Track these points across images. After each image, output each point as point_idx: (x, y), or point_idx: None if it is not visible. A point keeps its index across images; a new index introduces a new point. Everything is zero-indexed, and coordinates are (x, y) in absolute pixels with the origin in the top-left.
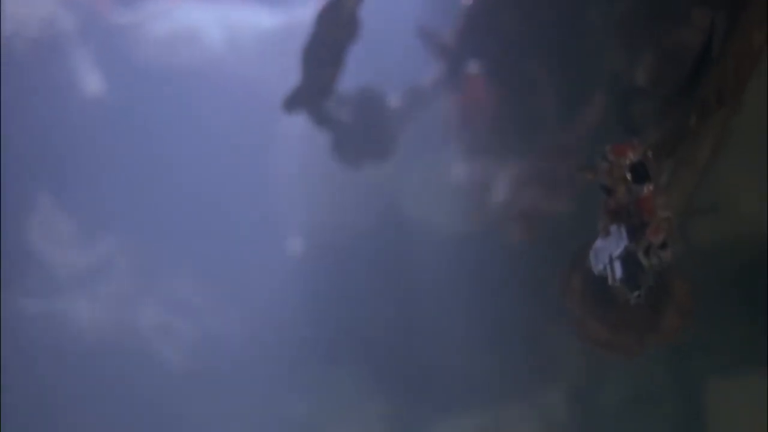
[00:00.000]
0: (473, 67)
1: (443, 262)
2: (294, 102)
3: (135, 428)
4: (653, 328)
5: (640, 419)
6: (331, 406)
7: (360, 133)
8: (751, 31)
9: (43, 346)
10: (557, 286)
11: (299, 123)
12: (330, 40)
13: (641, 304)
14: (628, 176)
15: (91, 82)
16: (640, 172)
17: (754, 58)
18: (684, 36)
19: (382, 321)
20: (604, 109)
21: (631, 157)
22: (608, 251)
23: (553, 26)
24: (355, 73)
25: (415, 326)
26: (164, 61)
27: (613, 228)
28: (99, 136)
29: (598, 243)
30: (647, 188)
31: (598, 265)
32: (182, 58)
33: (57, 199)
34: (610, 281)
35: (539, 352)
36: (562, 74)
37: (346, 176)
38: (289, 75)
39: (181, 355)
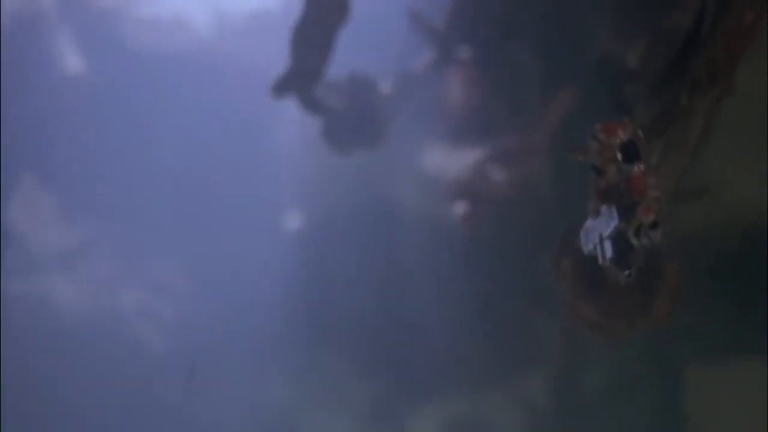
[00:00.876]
0: (464, 53)
1: (428, 248)
2: (283, 86)
3: (116, 411)
4: (644, 311)
5: (622, 406)
6: (314, 390)
7: (350, 119)
8: (743, 9)
9: (22, 327)
10: (547, 269)
11: (287, 107)
12: (320, 23)
13: (632, 288)
14: (619, 156)
15: (74, 63)
16: (630, 152)
17: (746, 37)
18: (677, 17)
19: (366, 306)
20: (574, 98)
21: (622, 136)
22: (598, 231)
23: (544, 8)
24: (345, 58)
25: (399, 311)
26: (150, 42)
27: (604, 208)
28: (82, 118)
29: (588, 223)
30: (638, 167)
31: (588, 245)
32: (168, 39)
33: (39, 179)
34: (600, 261)
35: (521, 339)
36: (552, 57)
37: (335, 161)
38: (279, 58)
39: (164, 338)
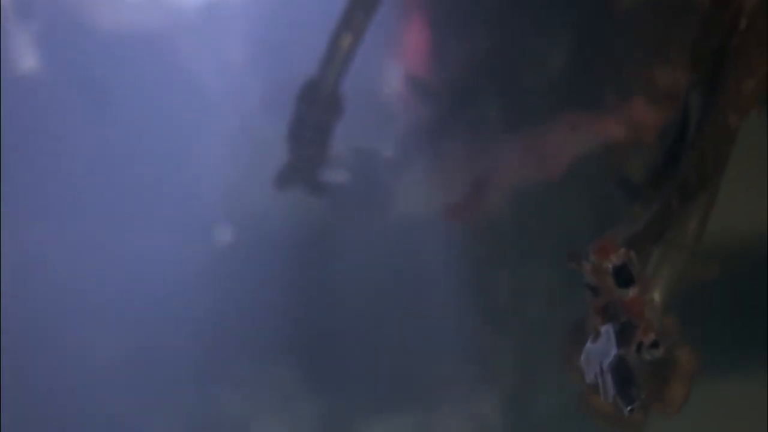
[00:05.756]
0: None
1: (379, 258)
2: (285, 180)
3: (56, 423)
4: (659, 398)
5: (575, 426)
6: (264, 404)
7: (358, 190)
8: (728, 112)
9: None
10: (506, 287)
11: (235, 110)
12: (313, 120)
13: (646, 376)
14: (612, 280)
15: (35, 50)
16: (623, 276)
17: (732, 140)
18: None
19: (316, 318)
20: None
21: (613, 260)
22: (599, 358)
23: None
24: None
25: (351, 325)
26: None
27: (603, 329)
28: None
29: (589, 346)
30: (632, 291)
31: (590, 374)
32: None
33: None
34: (602, 398)
35: (475, 356)
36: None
37: (279, 165)
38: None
39: (108, 353)
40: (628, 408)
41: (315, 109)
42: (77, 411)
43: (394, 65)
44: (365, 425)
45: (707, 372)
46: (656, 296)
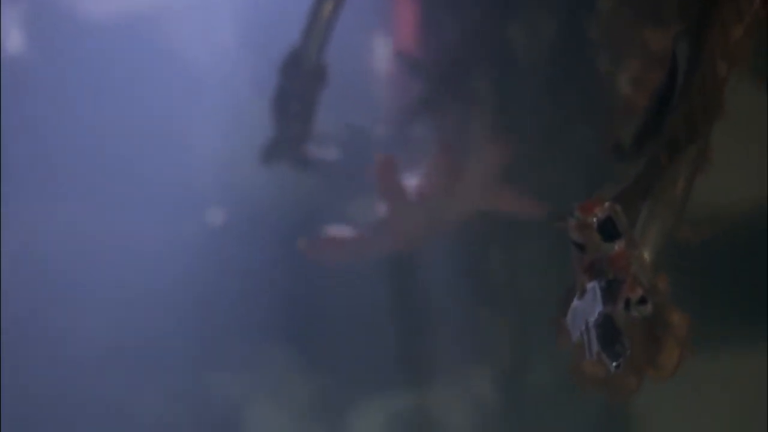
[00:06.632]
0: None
1: None
2: (271, 154)
3: (51, 416)
4: (652, 363)
5: (571, 401)
6: (257, 385)
7: (348, 168)
8: (716, 60)
9: None
10: (497, 269)
11: (225, 92)
12: (297, 92)
13: (639, 340)
14: (597, 235)
15: (25, 36)
16: (608, 230)
17: (721, 90)
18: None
19: (309, 299)
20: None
21: (598, 214)
22: (584, 315)
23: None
24: (333, 107)
25: (344, 305)
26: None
27: (589, 286)
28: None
29: (575, 303)
30: (618, 245)
31: (575, 332)
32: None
33: None
34: (587, 355)
35: (467, 333)
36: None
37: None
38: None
39: (100, 335)
40: (614, 364)
41: (298, 80)
42: (72, 393)
43: (383, 42)
44: (360, 405)
45: (705, 342)
46: (645, 253)
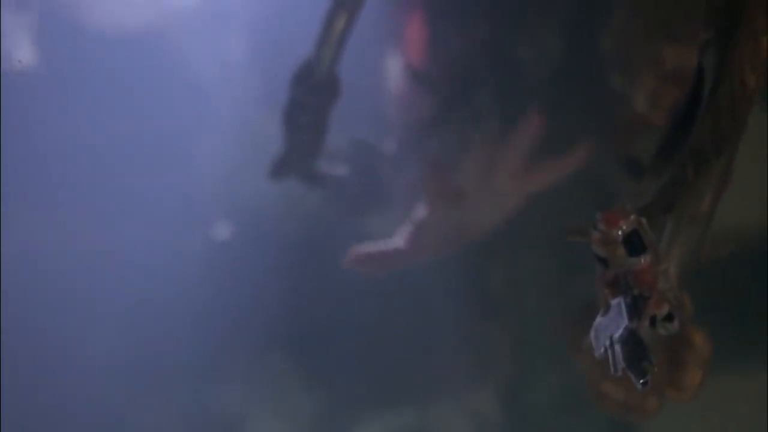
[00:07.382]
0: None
1: None
2: (280, 170)
3: (51, 424)
4: (673, 384)
5: (573, 418)
6: (259, 399)
7: (357, 183)
8: (745, 71)
9: None
10: (499, 280)
11: (233, 105)
12: (309, 104)
13: (661, 360)
14: (622, 249)
15: (31, 46)
16: (634, 244)
17: (750, 102)
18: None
19: (313, 313)
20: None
21: (624, 227)
22: (609, 332)
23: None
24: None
25: (347, 319)
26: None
27: (614, 302)
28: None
29: (599, 320)
30: (644, 259)
31: (599, 348)
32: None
33: None
34: (612, 371)
35: (470, 350)
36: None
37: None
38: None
39: (103, 348)
40: (641, 381)
41: (310, 92)
42: (73, 405)
43: (393, 57)
44: (362, 420)
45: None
46: (671, 269)
